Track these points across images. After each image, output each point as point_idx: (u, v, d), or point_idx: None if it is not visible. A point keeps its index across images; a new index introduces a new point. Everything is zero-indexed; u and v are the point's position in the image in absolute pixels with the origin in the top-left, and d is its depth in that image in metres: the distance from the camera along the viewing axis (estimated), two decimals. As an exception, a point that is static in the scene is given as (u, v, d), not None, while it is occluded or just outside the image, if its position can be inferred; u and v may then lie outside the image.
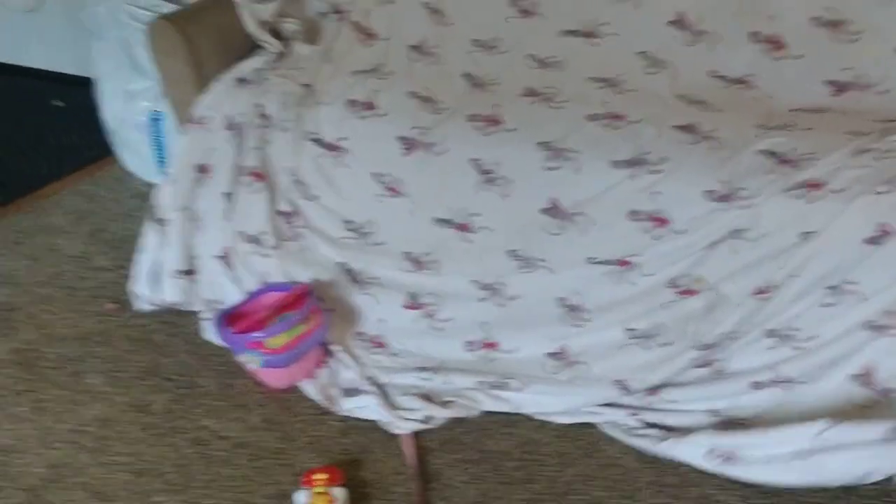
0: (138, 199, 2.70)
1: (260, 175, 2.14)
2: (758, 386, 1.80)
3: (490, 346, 2.01)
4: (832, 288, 1.68)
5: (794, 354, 1.75)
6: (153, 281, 2.24)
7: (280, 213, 2.12)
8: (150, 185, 2.71)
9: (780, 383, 1.77)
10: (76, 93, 3.14)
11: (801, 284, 1.71)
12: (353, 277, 2.10)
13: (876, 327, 1.65)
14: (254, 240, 2.14)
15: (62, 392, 2.02)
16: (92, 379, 2.06)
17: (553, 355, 1.96)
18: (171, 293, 2.23)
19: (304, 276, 2.10)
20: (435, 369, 2.01)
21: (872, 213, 1.63)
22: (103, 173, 2.90)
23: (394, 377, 2.01)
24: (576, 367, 1.94)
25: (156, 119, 2.65)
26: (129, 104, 2.68)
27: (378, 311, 2.10)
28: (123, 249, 2.44)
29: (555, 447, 1.85)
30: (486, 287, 2.00)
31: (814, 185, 1.69)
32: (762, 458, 1.69)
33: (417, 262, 2.04)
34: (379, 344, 2.08)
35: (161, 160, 2.73)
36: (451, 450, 1.85)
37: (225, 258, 2.19)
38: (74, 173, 2.92)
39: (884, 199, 1.63)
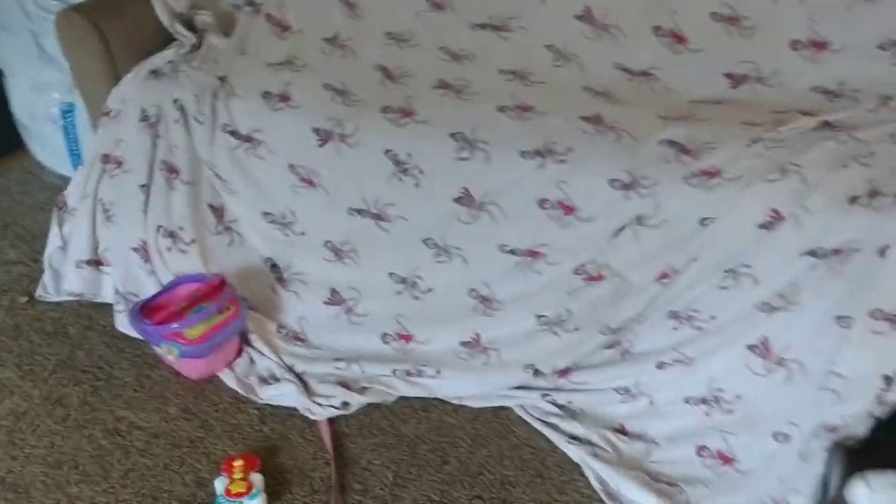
0: (50, 192, 2.67)
1: (175, 170, 2.14)
2: (662, 366, 1.88)
3: (405, 338, 2.06)
4: (729, 271, 1.76)
5: (696, 335, 1.83)
6: (57, 271, 2.24)
7: (210, 207, 2.13)
8: (62, 178, 2.70)
9: (682, 362, 1.86)
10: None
11: (700, 268, 1.79)
12: (279, 274, 2.13)
13: (769, 307, 1.74)
14: (171, 234, 2.15)
15: (-27, 387, 2.00)
16: (4, 373, 2.05)
17: (466, 344, 2.02)
18: (74, 283, 2.24)
19: (227, 271, 2.11)
20: (351, 360, 2.05)
21: (765, 200, 1.71)
22: (13, 166, 2.86)
23: (312, 366, 2.05)
24: (488, 354, 2.00)
25: (67, 111, 2.63)
26: (39, 96, 2.65)
27: (300, 309, 2.13)
28: (35, 243, 2.43)
29: (467, 430, 1.91)
30: (402, 280, 2.05)
31: (711, 174, 1.77)
32: None
33: (337, 252, 2.07)
34: (299, 338, 2.11)
35: (73, 152, 2.71)
36: (367, 435, 1.90)
37: (141, 251, 2.20)
38: (-17, 167, 2.88)
39: (775, 186, 1.71)
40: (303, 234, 2.10)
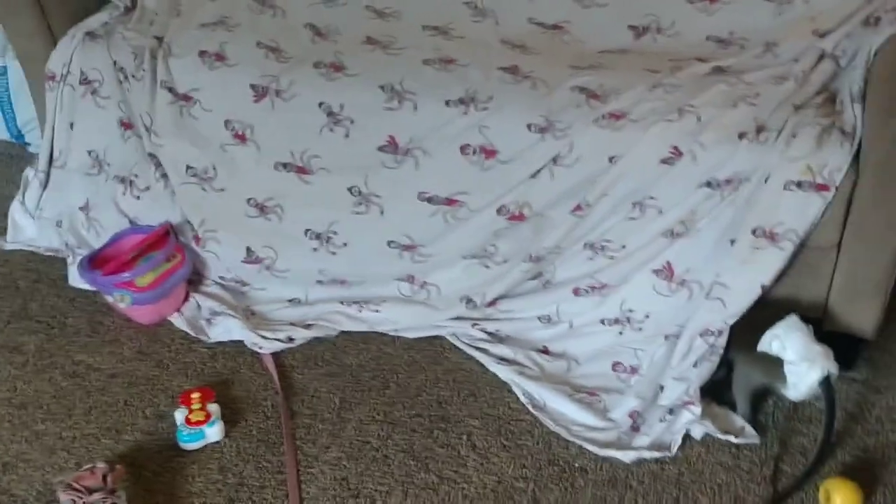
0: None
1: (128, 124, 2.25)
2: (578, 292, 2.07)
3: (341, 282, 2.22)
4: (636, 204, 1.96)
5: (608, 263, 2.03)
6: (24, 225, 2.38)
7: (150, 156, 2.24)
8: (-3, 140, 2.77)
9: (596, 288, 2.06)
10: None
11: (610, 202, 1.98)
12: (195, 232, 2.25)
13: (672, 234, 1.95)
14: (126, 181, 2.27)
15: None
16: (-41, 326, 2.15)
17: (403, 280, 2.18)
18: (45, 238, 2.40)
19: (170, 217, 2.25)
20: (295, 301, 2.21)
21: (665, 138, 1.91)
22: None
23: (258, 306, 2.20)
24: (428, 289, 2.17)
25: (0, 74, 2.69)
26: (-30, 59, 2.70)
27: (221, 266, 2.27)
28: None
29: (405, 358, 2.08)
30: (317, 237, 2.18)
31: (618, 116, 1.95)
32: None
33: (262, 208, 2.20)
34: (241, 282, 2.26)
35: (7, 115, 2.77)
36: (312, 366, 2.05)
37: (86, 208, 2.31)
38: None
39: (674, 126, 1.91)
40: (222, 190, 2.22)
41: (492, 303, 2.13)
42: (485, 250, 2.11)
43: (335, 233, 2.17)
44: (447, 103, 2.04)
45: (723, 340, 1.89)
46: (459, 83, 2.06)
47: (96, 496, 1.63)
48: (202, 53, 2.20)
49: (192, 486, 1.76)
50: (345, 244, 2.17)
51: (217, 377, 2.02)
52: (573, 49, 2.24)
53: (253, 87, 2.15)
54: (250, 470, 1.80)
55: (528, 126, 2.00)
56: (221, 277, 2.28)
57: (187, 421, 1.84)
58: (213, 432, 1.84)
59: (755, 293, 1.87)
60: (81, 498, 1.62)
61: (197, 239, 2.25)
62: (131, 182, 2.30)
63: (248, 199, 2.20)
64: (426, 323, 2.15)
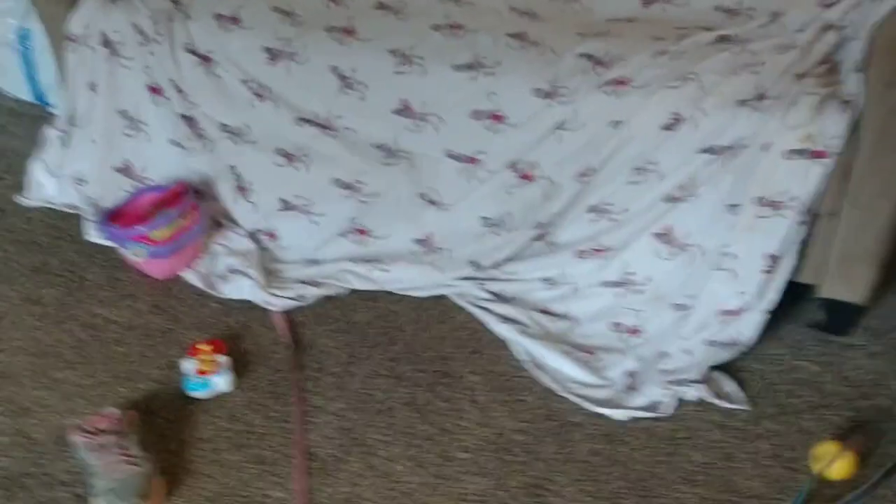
0: (8, 116, 2.81)
1: (156, 89, 2.31)
2: (581, 255, 2.12)
3: (362, 232, 2.28)
4: (638, 168, 2.00)
5: (611, 226, 2.08)
6: (45, 183, 2.46)
7: (183, 117, 2.30)
8: (19, 102, 2.83)
9: (599, 251, 2.11)
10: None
11: (613, 166, 2.02)
12: (239, 182, 2.33)
13: (673, 199, 1.99)
14: (176, 143, 2.35)
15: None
16: (-18, 279, 2.23)
17: (419, 241, 2.24)
18: (65, 195, 2.46)
19: (210, 173, 2.35)
20: (312, 261, 2.28)
21: (667, 104, 1.95)
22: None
23: (277, 265, 2.27)
24: (439, 253, 2.23)
25: (24, 37, 2.75)
26: (-6, 21, 2.76)
27: (258, 215, 2.34)
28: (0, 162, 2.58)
29: (411, 316, 2.14)
30: (346, 186, 2.25)
31: (621, 82, 1.99)
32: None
33: (289, 157, 2.27)
34: (272, 235, 2.33)
35: (31, 77, 2.84)
36: (321, 322, 2.12)
37: (124, 170, 2.39)
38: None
39: (676, 92, 1.94)
40: (254, 142, 2.29)
41: (497, 265, 2.19)
42: (499, 216, 2.16)
43: (363, 182, 2.23)
44: (455, 68, 2.08)
45: (742, 326, 1.94)
46: (468, 49, 2.10)
47: (108, 437, 1.70)
48: (218, 17, 2.25)
49: (201, 432, 1.83)
50: (375, 194, 2.23)
51: (228, 331, 2.09)
52: (582, 17, 2.27)
53: (268, 49, 2.20)
54: (258, 419, 1.87)
55: (535, 91, 2.03)
56: (257, 230, 2.35)
57: (197, 371, 1.91)
58: (221, 382, 1.91)
59: (762, 262, 1.91)
60: (94, 438, 1.70)
61: (241, 189, 2.32)
62: (180, 144, 2.36)
63: (278, 150, 2.27)
64: (433, 283, 2.21)
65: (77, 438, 1.72)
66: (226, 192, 2.36)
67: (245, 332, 2.09)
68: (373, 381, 1.95)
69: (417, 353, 2.03)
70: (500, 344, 2.05)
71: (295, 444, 1.80)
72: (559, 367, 1.99)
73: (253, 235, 2.35)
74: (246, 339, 2.07)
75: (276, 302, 2.15)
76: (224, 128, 2.29)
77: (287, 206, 2.31)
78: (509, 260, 2.19)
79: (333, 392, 1.93)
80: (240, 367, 1.97)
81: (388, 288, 2.21)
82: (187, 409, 1.89)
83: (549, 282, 2.17)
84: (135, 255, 2.18)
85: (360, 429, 1.84)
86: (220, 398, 1.91)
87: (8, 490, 1.70)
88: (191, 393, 1.91)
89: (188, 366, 1.94)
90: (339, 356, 2.02)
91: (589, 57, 2.06)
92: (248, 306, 2.16)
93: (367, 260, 2.26)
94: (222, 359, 1.95)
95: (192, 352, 1.96)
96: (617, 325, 2.09)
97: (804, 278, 2.00)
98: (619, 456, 1.77)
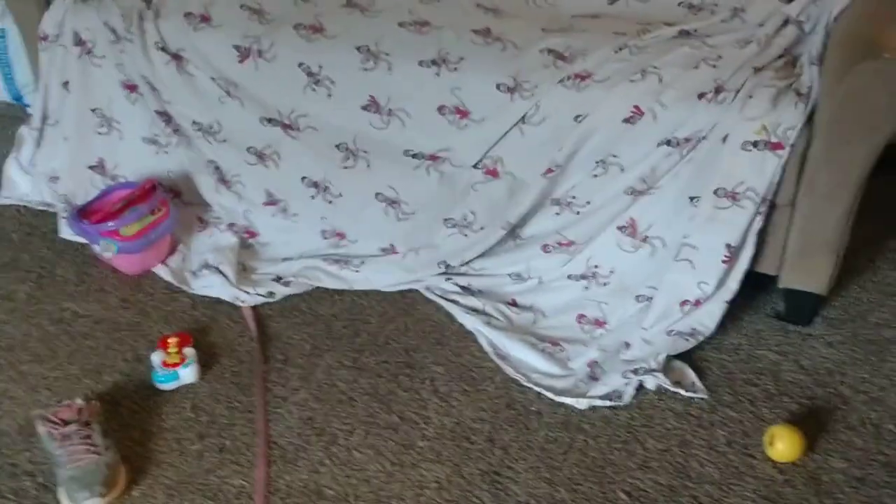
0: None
1: (131, 86, 2.34)
2: (547, 248, 2.15)
3: (339, 235, 2.30)
4: (600, 162, 2.03)
5: (574, 219, 2.10)
6: (18, 181, 2.47)
7: (157, 113, 2.33)
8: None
9: (564, 245, 2.13)
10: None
11: (577, 160, 2.05)
12: (222, 175, 2.35)
13: (635, 191, 2.01)
14: (151, 141, 2.39)
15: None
16: (-45, 274, 2.25)
17: (385, 250, 2.27)
18: (38, 193, 2.50)
19: (188, 168, 2.38)
20: (291, 258, 2.30)
21: (628, 98, 1.97)
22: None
23: (253, 262, 2.30)
24: (409, 255, 2.25)
25: (0, 37, 2.78)
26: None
27: (242, 207, 2.37)
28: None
29: (377, 309, 2.16)
30: (314, 185, 2.28)
31: (583, 77, 2.02)
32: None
33: (260, 156, 2.30)
34: (252, 232, 2.36)
35: (7, 77, 2.87)
36: (287, 315, 2.14)
37: (98, 167, 2.42)
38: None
39: (636, 86, 1.97)
40: (224, 141, 2.31)
41: (465, 263, 2.21)
42: (463, 216, 2.18)
43: (330, 183, 2.26)
44: (420, 64, 2.11)
45: (702, 316, 1.97)
46: (432, 45, 2.13)
47: (71, 427, 1.72)
48: (188, 15, 2.28)
49: (165, 422, 1.85)
50: (340, 195, 2.26)
51: (196, 325, 2.11)
52: (547, 13, 2.31)
53: (236, 47, 2.22)
54: (221, 409, 1.88)
55: (498, 86, 2.06)
56: (237, 224, 2.37)
57: (163, 363, 1.93)
58: (188, 374, 1.93)
59: (721, 252, 1.94)
60: (57, 428, 1.71)
61: (224, 182, 2.35)
62: (155, 141, 2.39)
63: (248, 148, 2.30)
64: (402, 280, 2.23)
65: (41, 428, 1.73)
66: (206, 185, 2.38)
67: (212, 325, 2.11)
68: (336, 373, 1.97)
69: (381, 344, 2.05)
70: (465, 335, 2.07)
71: (257, 434, 1.81)
72: (523, 358, 2.01)
73: (232, 229, 2.37)
74: (213, 332, 2.09)
75: (246, 299, 2.17)
76: (197, 125, 2.31)
77: (270, 198, 2.33)
78: (479, 257, 2.21)
79: (297, 383, 1.94)
80: (205, 359, 1.99)
81: (356, 287, 2.22)
82: (152, 399, 1.91)
83: (516, 276, 2.20)
84: (105, 250, 2.20)
85: (321, 418, 1.85)
86: (186, 389, 1.93)
87: (-29, 480, 1.72)
88: (158, 385, 1.93)
89: (155, 358, 1.95)
90: (303, 348, 2.04)
91: (551, 52, 2.09)
92: (215, 301, 2.18)
93: (337, 260, 2.28)
94: (189, 351, 1.97)
95: (161, 344, 1.98)
96: (581, 316, 2.11)
97: (764, 268, 2.02)
98: (576, 443, 1.79)
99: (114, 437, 1.78)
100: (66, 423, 1.73)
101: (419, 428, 1.83)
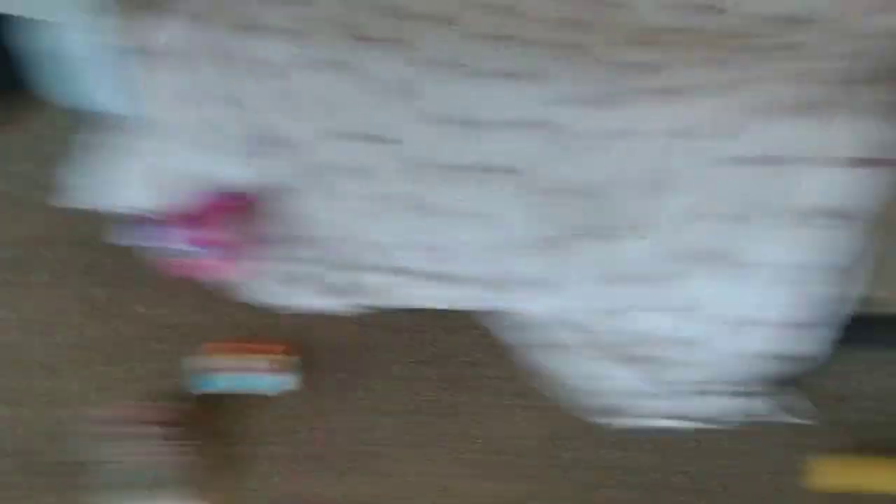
0: (85, 125, 2.90)
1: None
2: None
3: (430, 249, 2.25)
4: (692, 186, 1.93)
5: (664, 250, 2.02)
6: (114, 187, 2.50)
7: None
8: (98, 112, 2.91)
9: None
10: None
11: (668, 182, 1.95)
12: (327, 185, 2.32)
13: (737, 218, 1.91)
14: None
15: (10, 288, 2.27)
16: (41, 276, 2.29)
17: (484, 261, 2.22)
18: (133, 199, 2.48)
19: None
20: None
21: (718, 112, 1.88)
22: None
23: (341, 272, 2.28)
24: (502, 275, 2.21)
25: (107, 49, 2.83)
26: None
27: (343, 219, 2.33)
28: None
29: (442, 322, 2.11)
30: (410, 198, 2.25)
31: (672, 91, 1.94)
32: None
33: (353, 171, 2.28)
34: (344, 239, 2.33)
35: (108, 88, 2.92)
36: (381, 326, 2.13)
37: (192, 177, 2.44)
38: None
39: (727, 100, 1.88)
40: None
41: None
42: (553, 238, 2.13)
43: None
44: (505, 77, 2.06)
45: (803, 340, 1.87)
46: (518, 58, 2.08)
47: (139, 428, 1.73)
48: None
49: (252, 427, 1.88)
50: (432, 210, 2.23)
51: (288, 334, 2.12)
52: (631, 26, 2.23)
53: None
54: (319, 421, 1.90)
55: (585, 101, 2.00)
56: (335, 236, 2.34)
57: (265, 369, 1.96)
58: (287, 381, 1.96)
59: (824, 277, 1.84)
60: (123, 428, 1.72)
61: (329, 194, 2.33)
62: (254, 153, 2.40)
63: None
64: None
65: (107, 429, 1.75)
66: (310, 196, 2.37)
67: (305, 335, 2.12)
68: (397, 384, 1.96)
69: (447, 356, 2.02)
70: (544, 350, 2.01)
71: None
72: (612, 376, 1.95)
73: (325, 241, 2.36)
74: (308, 339, 2.10)
75: (335, 307, 2.17)
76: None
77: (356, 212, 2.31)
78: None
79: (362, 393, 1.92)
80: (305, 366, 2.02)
81: (454, 306, 2.16)
82: (241, 404, 1.94)
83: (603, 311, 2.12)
84: (189, 256, 2.21)
85: (382, 431, 1.82)
86: (286, 396, 1.95)
87: (42, 476, 1.74)
88: (259, 391, 1.96)
89: (258, 364, 1.99)
90: (380, 359, 2.04)
91: (639, 65, 2.02)
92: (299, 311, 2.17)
93: (430, 278, 2.25)
94: (291, 360, 1.99)
95: (261, 351, 2.01)
96: (673, 338, 2.02)
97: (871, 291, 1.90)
98: (645, 463, 1.71)
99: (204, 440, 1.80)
100: (131, 423, 1.74)
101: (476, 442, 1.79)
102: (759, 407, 1.81)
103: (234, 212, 2.23)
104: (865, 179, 1.76)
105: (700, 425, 1.79)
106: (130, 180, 2.53)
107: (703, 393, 1.87)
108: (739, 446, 1.76)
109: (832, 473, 1.62)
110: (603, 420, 1.83)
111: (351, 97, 2.22)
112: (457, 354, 2.01)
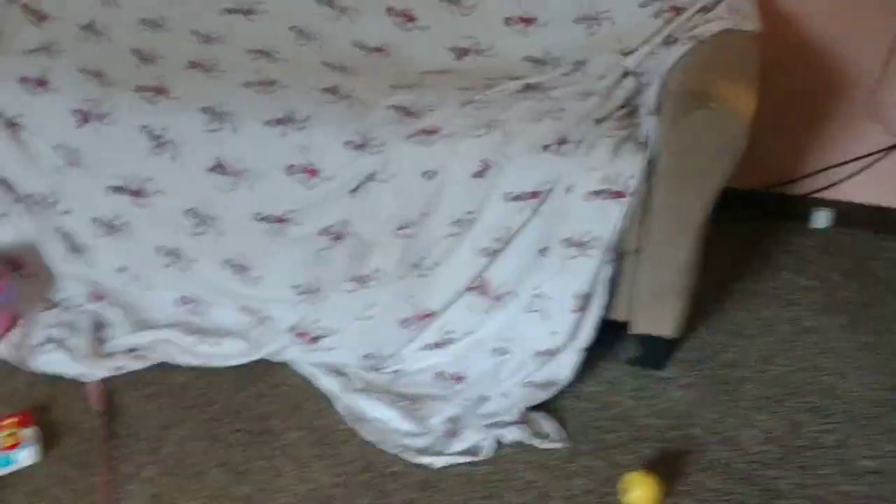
0: None
1: None
2: (404, 323, 2.11)
3: (191, 302, 2.23)
4: (455, 222, 2.01)
5: (423, 283, 2.08)
6: None
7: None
8: None
9: (417, 319, 2.10)
10: None
11: (431, 220, 2.03)
12: (71, 243, 2.25)
13: (490, 252, 2.01)
14: None
15: None
16: None
17: (243, 309, 2.21)
18: None
19: (34, 237, 2.26)
20: (144, 326, 2.21)
21: (475, 152, 1.98)
22: None
23: (106, 331, 2.21)
24: (265, 322, 2.19)
25: None
26: None
27: (93, 275, 2.27)
28: None
29: (231, 375, 2.09)
30: (169, 253, 2.21)
31: (430, 132, 2.02)
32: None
33: (109, 227, 2.21)
34: (99, 297, 2.26)
35: None
36: (134, 387, 2.05)
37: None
38: None
39: (483, 140, 1.98)
40: (67, 213, 2.22)
41: (315, 339, 2.15)
42: (308, 283, 2.14)
43: (181, 249, 2.19)
44: (266, 123, 2.07)
45: (558, 366, 1.98)
46: (278, 104, 2.10)
47: None
48: (23, 79, 2.19)
49: (1, 510, 1.74)
50: (193, 260, 2.20)
51: (36, 403, 2.00)
52: (395, 70, 2.31)
53: (75, 112, 2.15)
54: (63, 492, 1.78)
55: (346, 143, 2.04)
56: (88, 293, 2.28)
57: (-1, 446, 1.82)
58: (25, 455, 1.83)
59: (571, 302, 1.95)
60: None
61: (75, 250, 2.25)
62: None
63: (94, 219, 2.21)
64: (255, 355, 2.16)
65: None
66: (54, 253, 2.27)
67: (53, 403, 2.01)
68: (187, 444, 1.90)
69: (235, 412, 1.99)
70: (323, 398, 2.03)
71: (101, 516, 1.72)
72: (380, 417, 1.98)
73: (80, 308, 2.27)
74: (54, 410, 1.99)
75: (93, 373, 2.07)
76: (31, 198, 2.21)
77: (123, 267, 2.25)
78: (326, 334, 2.16)
79: (145, 458, 1.86)
80: (48, 438, 1.89)
81: (212, 364, 2.13)
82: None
83: (369, 357, 2.15)
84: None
85: (169, 493, 1.77)
86: (24, 474, 1.82)
87: None
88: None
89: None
90: (152, 421, 1.96)
91: (398, 108, 2.09)
92: (55, 378, 2.07)
93: (194, 332, 2.20)
94: (28, 432, 1.87)
95: (-5, 426, 1.87)
96: (440, 374, 2.09)
97: (617, 315, 2.05)
98: (434, 503, 1.75)
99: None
100: None
101: (273, 498, 1.77)
102: (516, 435, 1.91)
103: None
104: (609, 210, 1.91)
105: (462, 459, 1.86)
106: None
107: (464, 427, 1.95)
108: (543, 476, 1.83)
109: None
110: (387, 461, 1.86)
111: (102, 148, 2.16)
112: (246, 409, 2.00)
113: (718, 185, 1.84)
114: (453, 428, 1.95)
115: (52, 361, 2.12)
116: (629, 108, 2.10)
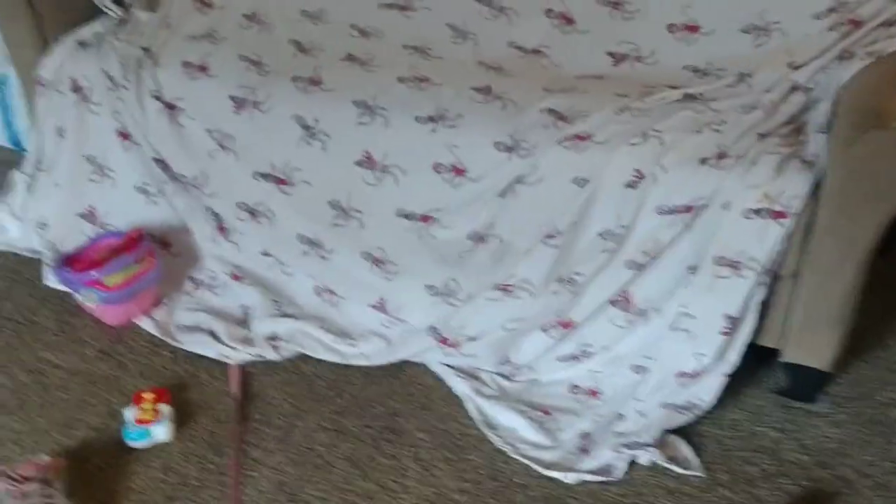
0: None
1: (125, 135, 2.30)
2: (546, 328, 2.05)
3: (329, 292, 2.23)
4: (604, 232, 1.94)
5: (570, 297, 2.01)
6: (8, 227, 2.47)
7: (156, 161, 2.28)
8: (-3, 146, 2.84)
9: (558, 327, 2.04)
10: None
11: (581, 230, 1.96)
12: (220, 223, 2.30)
13: (636, 265, 1.93)
14: (142, 190, 2.33)
15: None
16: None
17: (375, 307, 2.20)
18: (27, 240, 2.45)
19: (184, 217, 2.33)
20: (286, 313, 2.23)
21: (628, 161, 1.91)
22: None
23: (250, 320, 2.24)
24: (400, 322, 2.18)
25: (1, 83, 2.76)
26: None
27: (240, 258, 2.31)
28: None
29: (360, 369, 2.08)
30: (307, 241, 2.22)
31: (582, 138, 1.96)
32: None
33: (252, 212, 2.25)
34: (242, 279, 2.30)
35: (8, 123, 2.84)
36: (270, 373, 2.07)
37: (88, 216, 2.37)
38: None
39: (637, 149, 1.91)
40: (212, 195, 2.27)
41: (456, 345, 2.11)
42: (446, 285, 2.11)
43: (321, 239, 2.20)
44: (416, 119, 2.06)
45: (699, 389, 1.89)
46: (430, 101, 2.08)
47: (32, 485, 1.64)
48: (186, 64, 2.24)
49: (132, 482, 1.78)
50: (332, 250, 2.20)
51: (175, 380, 2.04)
52: (550, 73, 2.25)
53: (232, 98, 2.18)
54: (193, 470, 1.81)
55: (495, 144, 2.00)
56: (237, 267, 2.32)
57: (136, 420, 1.85)
58: (161, 431, 1.86)
59: (720, 323, 1.86)
60: (17, 486, 1.64)
61: (222, 230, 2.30)
62: (146, 190, 2.34)
63: (238, 203, 2.25)
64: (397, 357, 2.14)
65: (1, 485, 1.66)
66: (203, 233, 2.33)
67: (191, 382, 2.04)
68: (315, 435, 1.90)
69: (364, 406, 1.98)
70: (453, 401, 1.99)
71: (228, 498, 1.73)
72: (512, 427, 1.93)
73: (223, 282, 2.31)
74: (192, 389, 2.02)
75: (232, 355, 2.10)
76: (181, 178, 2.27)
77: (266, 253, 2.28)
78: (469, 341, 2.10)
79: (274, 445, 1.87)
80: (182, 417, 1.92)
81: (352, 363, 2.12)
82: (123, 458, 1.84)
83: (505, 363, 2.10)
84: (87, 300, 2.14)
85: (295, 482, 1.77)
86: (158, 448, 1.86)
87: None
88: (129, 443, 1.86)
89: (129, 414, 1.88)
90: (283, 407, 1.97)
91: (551, 111, 2.03)
92: (196, 356, 2.10)
93: (332, 330, 2.20)
94: (164, 408, 1.90)
95: (135, 400, 1.91)
96: (575, 387, 2.03)
97: (767, 341, 1.94)
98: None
99: (79, 497, 1.70)
100: (27, 480, 1.66)
101: (396, 497, 1.75)
102: (651, 457, 1.82)
103: (127, 251, 2.17)
104: (767, 230, 1.80)
105: (594, 478, 1.79)
106: (22, 218, 2.47)
107: (596, 444, 1.87)
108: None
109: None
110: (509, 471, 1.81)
111: (254, 135, 2.19)
112: (375, 404, 1.98)
113: (891, 212, 1.71)
114: (585, 444, 1.88)
115: (195, 341, 2.16)
116: (796, 125, 1.98)
